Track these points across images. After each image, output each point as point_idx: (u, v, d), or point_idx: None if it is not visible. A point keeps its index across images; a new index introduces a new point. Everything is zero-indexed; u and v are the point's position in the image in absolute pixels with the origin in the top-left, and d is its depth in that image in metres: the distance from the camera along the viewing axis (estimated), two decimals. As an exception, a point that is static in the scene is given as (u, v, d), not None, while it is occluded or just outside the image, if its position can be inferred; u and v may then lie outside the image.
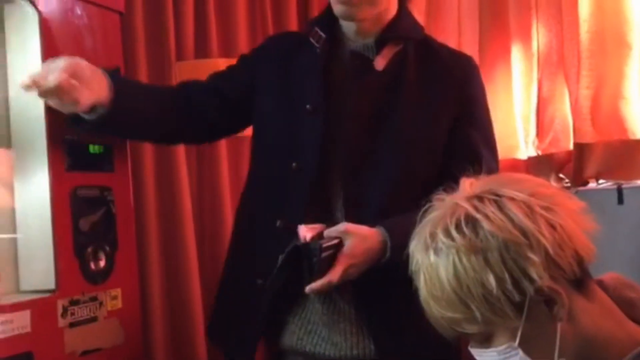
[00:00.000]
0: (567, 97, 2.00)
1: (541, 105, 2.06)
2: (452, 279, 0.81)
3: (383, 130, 1.26)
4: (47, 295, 1.34)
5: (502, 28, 2.15)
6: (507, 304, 0.80)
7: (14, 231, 1.40)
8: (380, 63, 1.28)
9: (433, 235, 0.84)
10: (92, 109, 1.26)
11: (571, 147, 1.98)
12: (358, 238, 1.14)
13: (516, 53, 2.12)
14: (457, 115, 1.29)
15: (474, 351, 0.88)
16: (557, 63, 2.02)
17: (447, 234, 0.82)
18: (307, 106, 1.28)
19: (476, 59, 2.24)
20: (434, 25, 2.35)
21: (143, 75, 2.15)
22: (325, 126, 1.26)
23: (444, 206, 0.86)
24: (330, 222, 1.20)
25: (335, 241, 1.12)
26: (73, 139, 1.41)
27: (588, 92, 1.91)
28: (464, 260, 0.81)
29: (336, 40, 1.33)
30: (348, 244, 1.14)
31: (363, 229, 1.17)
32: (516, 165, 2.13)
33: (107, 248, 1.45)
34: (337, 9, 1.27)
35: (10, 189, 1.41)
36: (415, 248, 0.88)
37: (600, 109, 1.91)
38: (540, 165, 2.05)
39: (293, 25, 2.38)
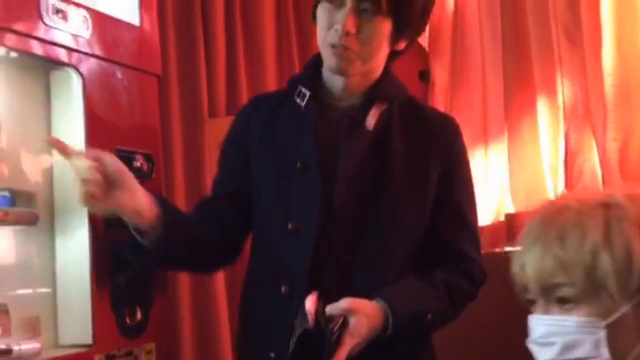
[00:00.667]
0: (594, 148, 2.01)
1: (569, 157, 2.07)
2: (601, 231, 0.82)
3: (375, 194, 1.25)
4: (84, 349, 1.36)
5: (527, 81, 2.19)
6: (620, 284, 0.81)
7: (54, 286, 1.44)
8: (370, 122, 1.27)
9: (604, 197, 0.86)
10: (141, 230, 1.19)
11: (601, 198, 1.98)
12: (363, 317, 1.11)
13: (542, 106, 2.15)
14: (443, 175, 1.29)
15: (539, 317, 0.87)
16: (583, 115, 2.04)
17: (619, 198, 0.84)
18: (298, 164, 1.26)
19: (501, 112, 2.28)
20: (458, 79, 2.40)
21: (177, 132, 2.23)
22: (318, 185, 1.24)
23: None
24: (322, 284, 1.17)
25: (340, 320, 1.09)
26: (112, 197, 1.46)
27: (615, 144, 1.92)
28: (626, 223, 0.82)
29: (319, 98, 1.31)
30: (353, 323, 1.10)
31: (367, 307, 1.13)
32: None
33: (143, 303, 1.47)
34: (331, 62, 1.24)
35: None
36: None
37: (628, 160, 1.91)
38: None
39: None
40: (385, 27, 1.22)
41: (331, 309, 1.09)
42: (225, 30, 2.36)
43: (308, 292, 1.11)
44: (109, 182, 1.13)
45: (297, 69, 2.46)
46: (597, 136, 1.98)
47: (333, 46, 1.21)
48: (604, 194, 0.88)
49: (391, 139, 1.27)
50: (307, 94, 1.29)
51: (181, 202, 2.17)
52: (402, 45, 1.29)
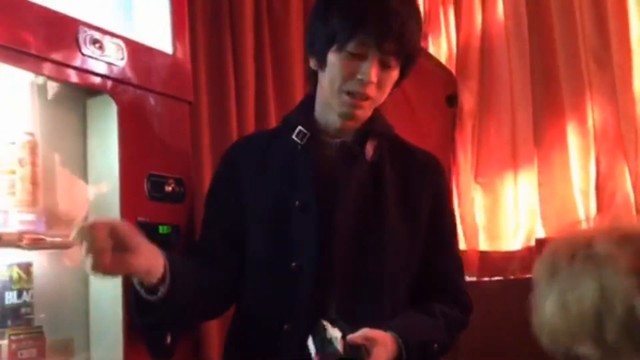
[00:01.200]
0: (627, 172, 1.98)
1: (600, 181, 2.04)
2: (597, 294, 0.78)
3: (373, 224, 1.29)
4: (116, 372, 1.38)
5: (556, 105, 2.18)
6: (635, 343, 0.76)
7: (88, 309, 1.47)
8: (368, 153, 1.33)
9: (587, 246, 0.81)
10: (149, 285, 1.20)
11: (635, 222, 1.94)
12: (381, 346, 1.14)
13: (572, 130, 2.13)
14: (433, 209, 1.36)
15: None
16: (614, 139, 2.02)
17: (605, 247, 0.79)
18: (297, 203, 1.28)
19: (530, 136, 2.27)
20: (486, 104, 2.40)
21: (207, 158, 2.26)
22: (318, 223, 1.27)
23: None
24: (323, 319, 1.16)
25: (363, 350, 1.11)
26: (145, 221, 1.49)
27: (648, 168, 1.89)
28: (620, 278, 0.77)
29: (314, 136, 1.35)
30: (375, 352, 1.12)
31: (385, 337, 1.16)
32: (578, 242, 2.10)
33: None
34: (345, 109, 1.30)
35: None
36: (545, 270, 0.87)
37: (662, 184, 1.88)
38: (603, 241, 2.01)
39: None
40: (396, 74, 1.30)
41: (353, 337, 1.10)
42: (254, 60, 2.40)
43: (311, 327, 1.12)
44: (119, 247, 1.11)
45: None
46: (629, 160, 1.96)
47: (349, 93, 1.27)
48: (591, 237, 0.83)
49: (385, 171, 1.33)
50: (307, 134, 1.33)
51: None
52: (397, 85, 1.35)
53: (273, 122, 2.39)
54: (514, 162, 2.29)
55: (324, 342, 1.09)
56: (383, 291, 1.28)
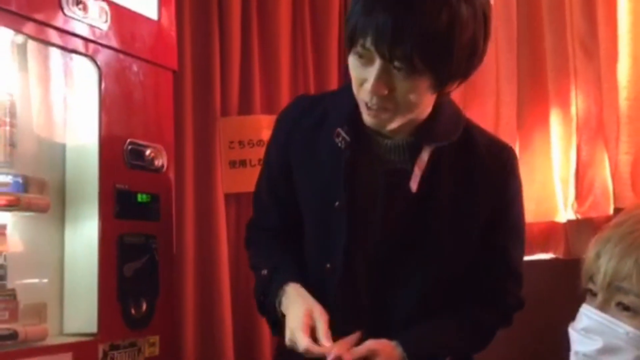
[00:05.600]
0: (607, 161, 1.99)
1: (580, 169, 2.05)
2: None
3: (410, 249, 1.18)
4: (89, 338, 1.37)
5: (541, 92, 2.18)
6: None
7: (62, 274, 1.45)
8: (414, 184, 1.14)
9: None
10: None
11: (611, 211, 1.96)
12: (384, 358, 1.11)
13: (555, 117, 2.13)
14: (491, 217, 1.21)
15: (592, 310, 0.88)
16: (597, 128, 2.03)
17: None
18: (336, 203, 1.18)
19: (513, 122, 2.27)
20: (471, 88, 2.40)
21: (189, 128, 2.24)
22: (351, 226, 1.18)
23: None
24: (356, 323, 1.17)
25: None
26: (123, 188, 1.47)
27: (628, 158, 1.90)
28: None
29: (360, 131, 1.17)
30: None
31: (387, 348, 1.13)
32: (555, 228, 2.11)
33: (149, 295, 1.48)
34: (367, 120, 1.12)
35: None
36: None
37: (640, 174, 1.90)
38: (580, 228, 2.03)
39: (334, 83, 2.46)
40: (424, 82, 1.04)
41: (357, 351, 1.09)
42: (241, 30, 2.36)
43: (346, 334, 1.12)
44: None
45: (311, 71, 2.46)
46: (610, 149, 1.97)
47: (366, 103, 1.09)
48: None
49: (438, 185, 1.17)
50: (348, 139, 1.16)
51: (189, 197, 2.18)
52: (450, 88, 1.13)
53: (257, 92, 2.37)
54: (496, 146, 2.31)
55: None
56: (414, 309, 1.20)
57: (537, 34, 2.19)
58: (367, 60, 1.04)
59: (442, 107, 1.18)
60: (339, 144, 1.17)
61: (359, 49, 1.03)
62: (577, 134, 2.07)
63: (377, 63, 1.02)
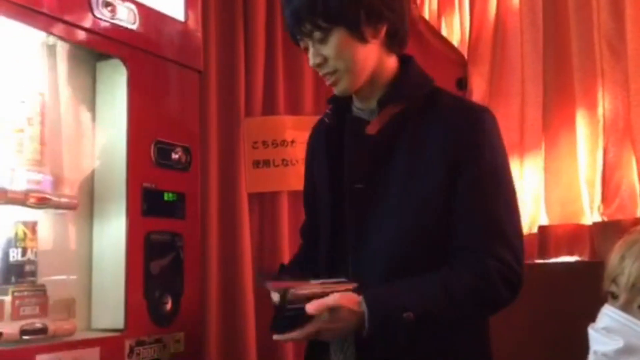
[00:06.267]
0: (634, 163, 1.96)
1: (607, 171, 2.02)
2: None
3: (374, 201, 1.24)
4: (116, 334, 1.39)
5: (567, 93, 2.15)
6: None
7: (90, 271, 1.48)
8: (373, 127, 1.25)
9: None
10: None
11: (639, 214, 1.94)
12: (345, 313, 1.13)
13: (581, 118, 2.11)
14: (454, 172, 1.21)
15: (614, 310, 0.89)
16: (624, 129, 2.00)
17: None
18: (325, 183, 1.32)
19: (539, 123, 2.25)
20: (496, 89, 2.38)
21: (213, 128, 2.26)
22: (331, 200, 1.29)
23: None
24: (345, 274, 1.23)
25: (301, 305, 1.13)
26: (150, 187, 1.49)
27: (656, 160, 1.88)
28: None
29: (349, 111, 1.33)
30: (331, 315, 1.13)
31: (351, 304, 1.13)
32: (580, 231, 2.09)
33: (174, 292, 1.50)
34: (335, 92, 1.29)
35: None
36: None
37: (668, 176, 1.87)
38: (606, 231, 2.01)
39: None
40: (340, 36, 1.21)
41: (320, 304, 1.11)
42: (265, 31, 2.38)
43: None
44: None
45: (334, 72, 2.46)
46: (637, 151, 1.94)
47: (324, 79, 1.27)
48: None
49: (398, 144, 1.24)
50: (329, 112, 1.33)
51: (214, 196, 2.20)
52: (381, 32, 1.24)
53: (281, 93, 2.38)
54: (520, 148, 2.28)
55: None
56: (384, 263, 1.22)
57: (563, 34, 2.17)
58: (306, 49, 1.26)
59: (407, 73, 1.30)
60: (325, 120, 1.34)
61: (300, 46, 1.26)
62: (604, 135, 2.04)
63: (306, 44, 1.25)
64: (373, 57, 1.26)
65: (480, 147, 1.23)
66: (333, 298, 1.13)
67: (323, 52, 1.23)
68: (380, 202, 1.24)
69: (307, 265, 1.37)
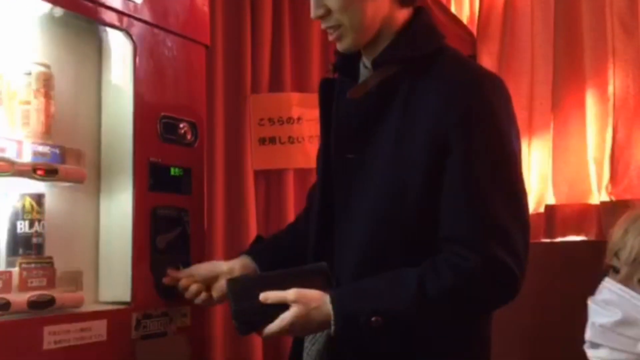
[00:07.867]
0: (643, 143, 1.96)
1: (616, 151, 2.02)
2: None
3: (359, 174, 1.14)
4: (123, 307, 1.40)
5: (577, 71, 2.13)
6: None
7: (97, 244, 1.49)
8: (356, 91, 1.15)
9: None
10: None
11: (647, 193, 1.93)
12: (305, 308, 1.08)
13: (591, 97, 2.09)
14: (442, 154, 1.07)
15: (614, 283, 0.91)
16: (634, 109, 1.99)
17: None
18: (320, 151, 1.28)
19: (548, 101, 2.23)
20: (506, 67, 2.36)
21: (219, 104, 2.25)
22: (323, 163, 1.24)
23: None
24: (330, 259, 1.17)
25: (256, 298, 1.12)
26: (157, 161, 1.49)
27: (666, 139, 1.86)
28: None
29: (349, 66, 1.24)
30: (293, 310, 1.08)
31: (313, 301, 1.08)
32: (588, 210, 2.08)
33: (180, 266, 1.51)
34: (337, 46, 1.20)
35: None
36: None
37: (678, 156, 1.85)
38: (614, 210, 2.00)
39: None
40: None
41: (282, 296, 1.09)
42: (272, 7, 2.36)
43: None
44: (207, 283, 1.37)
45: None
46: (647, 131, 1.93)
47: (328, 33, 1.18)
48: None
49: (390, 109, 1.12)
50: (331, 67, 1.26)
51: (220, 172, 2.20)
52: None
53: (288, 70, 2.37)
54: (529, 127, 2.27)
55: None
56: (360, 244, 1.13)
57: (574, 11, 2.14)
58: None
59: (410, 29, 1.16)
60: (330, 71, 1.26)
61: None
62: (613, 114, 2.03)
63: None
64: (382, 12, 1.14)
65: (472, 120, 1.07)
66: (290, 294, 1.08)
67: (327, 2, 1.12)
68: (366, 178, 1.13)
69: (300, 233, 1.36)
